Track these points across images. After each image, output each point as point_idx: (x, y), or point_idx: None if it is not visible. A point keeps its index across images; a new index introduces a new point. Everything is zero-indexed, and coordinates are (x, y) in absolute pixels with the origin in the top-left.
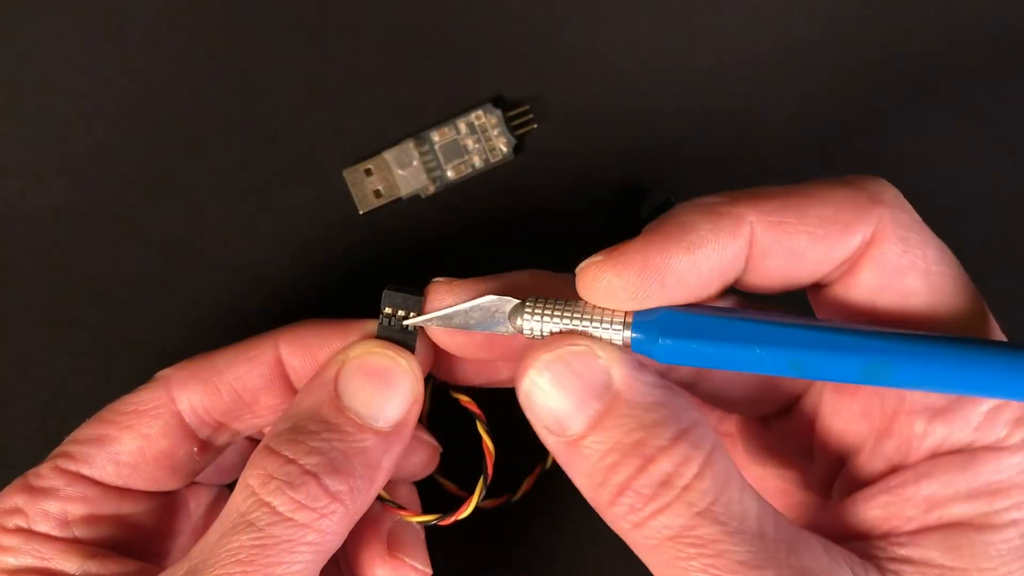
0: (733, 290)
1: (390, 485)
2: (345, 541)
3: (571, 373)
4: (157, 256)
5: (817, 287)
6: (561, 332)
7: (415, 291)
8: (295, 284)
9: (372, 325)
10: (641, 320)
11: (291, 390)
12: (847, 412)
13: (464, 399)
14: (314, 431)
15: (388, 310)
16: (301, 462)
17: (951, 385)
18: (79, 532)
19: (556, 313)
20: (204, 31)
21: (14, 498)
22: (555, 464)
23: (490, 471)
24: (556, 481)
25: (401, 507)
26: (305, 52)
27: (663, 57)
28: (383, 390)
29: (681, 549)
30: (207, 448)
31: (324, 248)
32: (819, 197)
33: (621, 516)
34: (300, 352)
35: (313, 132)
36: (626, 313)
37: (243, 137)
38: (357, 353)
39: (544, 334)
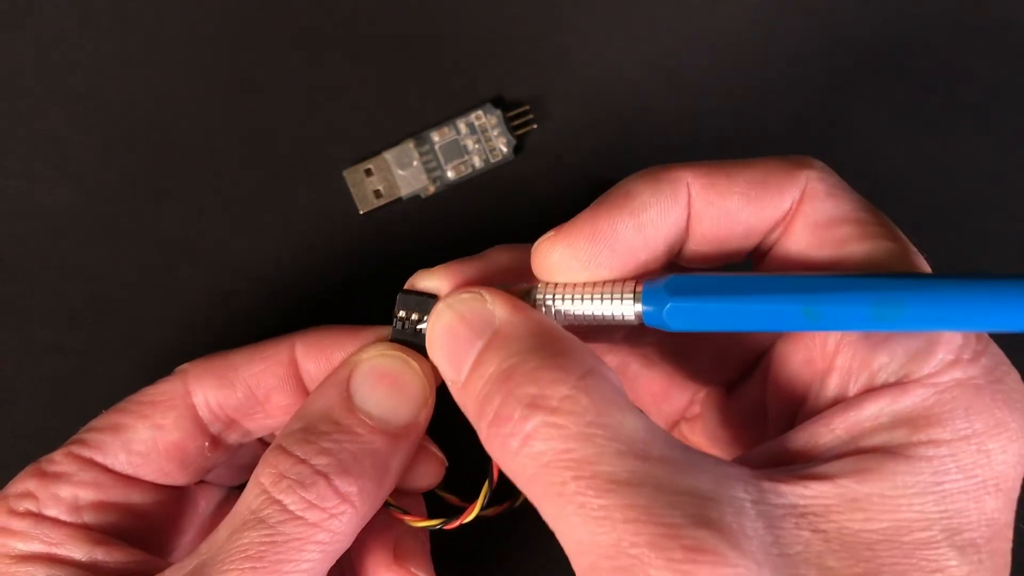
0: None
1: (396, 497)
2: (351, 548)
3: (458, 319)
4: (157, 256)
5: (758, 257)
6: (459, 286)
7: (430, 294)
8: (295, 284)
9: (386, 330)
10: (650, 288)
11: (303, 392)
12: (794, 360)
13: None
14: (326, 431)
15: (402, 313)
16: (312, 462)
17: (964, 322)
18: (88, 518)
19: (567, 292)
20: (204, 31)
21: (27, 482)
22: None
23: (495, 475)
24: None
25: (405, 511)
26: (305, 52)
27: (663, 57)
28: (394, 392)
29: (556, 474)
30: (218, 445)
31: (324, 248)
32: (750, 165)
33: (499, 449)
34: (315, 354)
35: (313, 132)
36: (636, 282)
37: (243, 137)
38: (370, 355)
39: (558, 313)
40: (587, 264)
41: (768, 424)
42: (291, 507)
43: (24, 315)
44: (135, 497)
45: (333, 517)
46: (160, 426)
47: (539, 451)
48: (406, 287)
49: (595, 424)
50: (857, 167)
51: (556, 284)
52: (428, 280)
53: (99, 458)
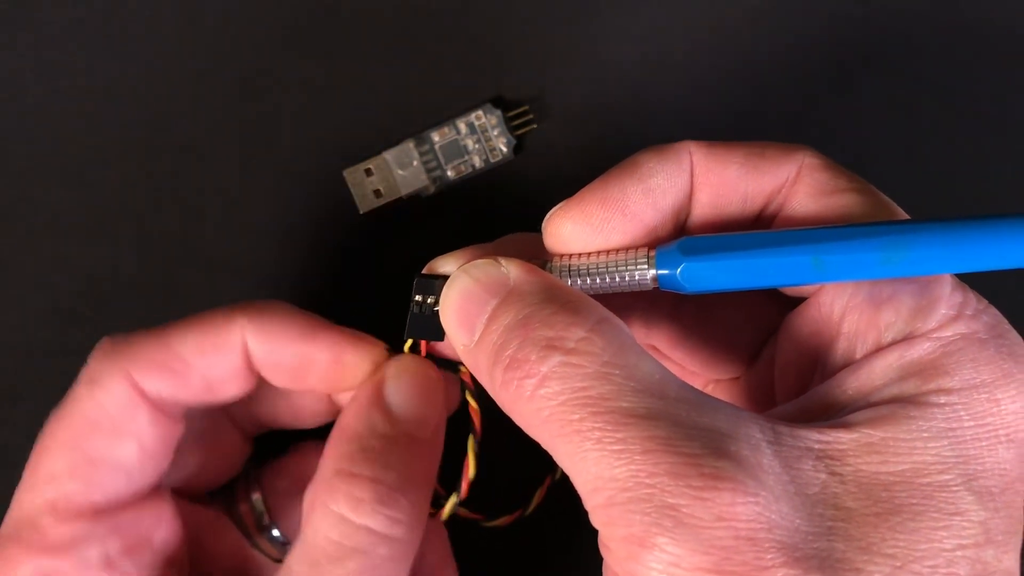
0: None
1: None
2: None
3: (472, 282)
4: (157, 256)
5: (762, 228)
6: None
7: (446, 276)
8: (295, 284)
9: (339, 338)
10: (663, 251)
11: (254, 375)
12: (801, 334)
13: (473, 407)
14: (381, 448)
15: (418, 297)
16: (386, 480)
17: (971, 260)
18: (129, 568)
19: (581, 265)
20: (204, 31)
21: (25, 567)
22: (565, 473)
23: (464, 491)
24: (567, 493)
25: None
26: (305, 52)
27: (663, 57)
28: (425, 401)
29: (572, 411)
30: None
31: (324, 248)
32: (749, 143)
33: (512, 393)
34: (265, 344)
35: (313, 132)
36: (649, 249)
37: (243, 137)
38: (398, 370)
39: (573, 283)
40: (600, 229)
41: (776, 404)
42: (379, 529)
43: (24, 315)
44: (150, 531)
45: (413, 529)
46: (139, 433)
47: (555, 391)
48: (424, 272)
49: (612, 364)
50: (856, 167)
51: (570, 255)
52: (445, 264)
53: (98, 497)
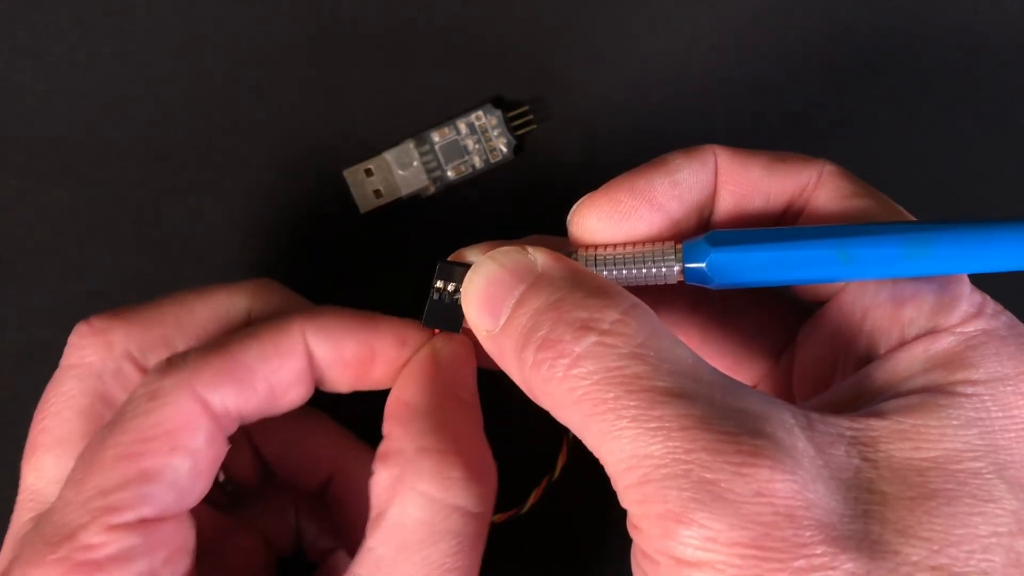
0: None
1: None
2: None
3: (499, 267)
4: (157, 256)
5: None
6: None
7: (470, 264)
8: (295, 284)
9: (399, 323)
10: (690, 244)
11: (313, 377)
12: (822, 334)
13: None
14: (451, 421)
15: (439, 284)
16: (469, 453)
17: (993, 260)
18: None
19: (607, 255)
20: (204, 31)
21: None
22: (562, 474)
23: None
24: (564, 493)
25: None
26: (305, 52)
27: (663, 57)
28: (470, 366)
29: (607, 390)
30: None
31: (324, 248)
32: (771, 151)
33: (544, 374)
34: (326, 345)
35: (313, 132)
36: (675, 242)
37: (244, 137)
38: (443, 342)
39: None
40: (626, 217)
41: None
42: (471, 507)
43: (24, 315)
44: (187, 539)
45: (492, 502)
46: (195, 451)
47: (590, 370)
48: (449, 259)
49: (646, 345)
50: (857, 167)
51: (596, 247)
52: (471, 254)
53: (148, 512)
